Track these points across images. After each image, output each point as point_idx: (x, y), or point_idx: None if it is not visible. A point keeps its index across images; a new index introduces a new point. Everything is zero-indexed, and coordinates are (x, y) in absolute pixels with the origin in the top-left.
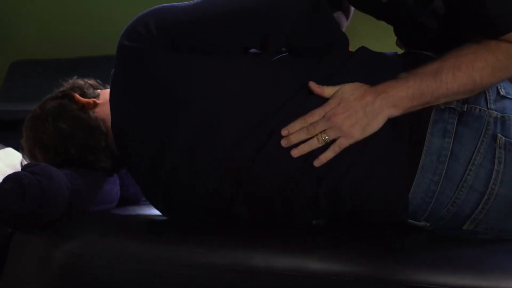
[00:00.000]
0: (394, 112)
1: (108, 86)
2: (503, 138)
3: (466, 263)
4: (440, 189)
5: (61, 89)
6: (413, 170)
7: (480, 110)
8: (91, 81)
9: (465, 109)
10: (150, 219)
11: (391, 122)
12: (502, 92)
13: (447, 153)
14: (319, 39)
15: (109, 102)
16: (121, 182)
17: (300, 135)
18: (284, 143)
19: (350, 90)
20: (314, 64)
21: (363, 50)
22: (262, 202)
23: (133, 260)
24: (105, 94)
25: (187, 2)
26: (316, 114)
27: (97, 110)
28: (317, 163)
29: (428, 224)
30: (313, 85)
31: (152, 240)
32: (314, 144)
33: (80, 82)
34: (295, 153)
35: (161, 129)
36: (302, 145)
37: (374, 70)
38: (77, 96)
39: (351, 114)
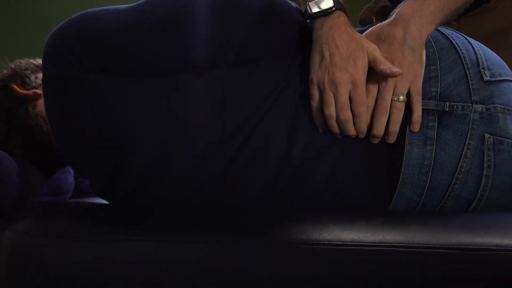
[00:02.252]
0: (432, 28)
1: None
2: (491, 137)
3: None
4: (424, 200)
5: (0, 76)
6: (394, 183)
7: (463, 107)
8: (37, 61)
9: (446, 109)
10: (106, 204)
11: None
12: (486, 77)
13: (430, 162)
14: (272, 46)
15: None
16: (75, 173)
17: (381, 121)
18: (374, 140)
19: (375, 39)
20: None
21: None
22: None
23: (86, 238)
24: None
25: (115, 11)
26: (362, 87)
27: (39, 102)
28: (417, 126)
29: None
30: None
31: (108, 219)
32: (399, 116)
33: (23, 65)
34: (391, 139)
35: (109, 160)
36: (391, 128)
37: None
38: (16, 88)
39: (399, 60)
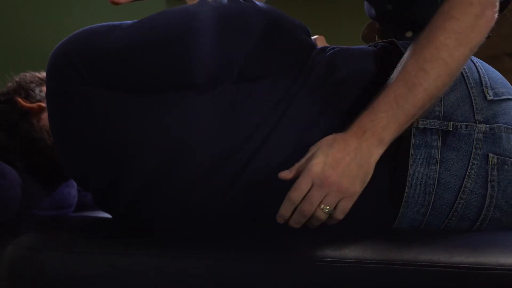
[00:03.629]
0: (383, 148)
1: None
2: (495, 157)
3: (459, 242)
4: (428, 220)
5: (6, 89)
6: (398, 203)
7: (466, 126)
8: (42, 74)
9: (450, 129)
10: (110, 218)
11: None
12: (490, 96)
13: (434, 182)
14: (277, 61)
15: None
16: (79, 187)
17: (299, 219)
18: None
19: (327, 145)
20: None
21: (339, 51)
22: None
23: (89, 252)
24: None
25: (119, 27)
26: (302, 187)
27: (43, 115)
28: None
29: None
30: (282, 174)
31: (110, 234)
32: (321, 217)
33: (28, 78)
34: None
35: (108, 176)
36: (310, 224)
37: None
38: (20, 101)
39: (343, 170)
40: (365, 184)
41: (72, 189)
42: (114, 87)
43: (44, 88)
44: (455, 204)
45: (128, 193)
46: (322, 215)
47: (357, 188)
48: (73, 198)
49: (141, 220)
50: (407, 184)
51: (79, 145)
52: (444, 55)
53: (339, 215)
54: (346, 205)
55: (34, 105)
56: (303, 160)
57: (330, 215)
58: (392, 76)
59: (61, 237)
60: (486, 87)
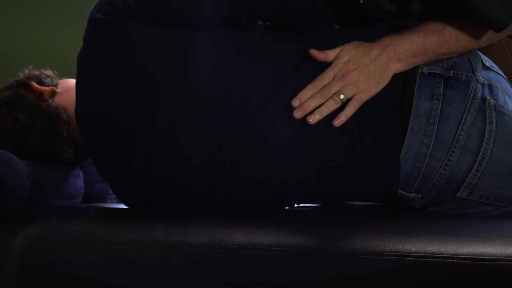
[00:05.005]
0: (400, 67)
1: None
2: (492, 100)
3: (467, 232)
4: (432, 152)
5: (16, 78)
6: (403, 133)
7: (466, 75)
8: (48, 72)
9: (451, 75)
10: (118, 208)
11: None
12: (487, 64)
13: (437, 114)
14: (307, 10)
15: (72, 91)
16: (85, 179)
17: (314, 100)
18: (298, 114)
19: (353, 48)
20: (302, 36)
21: (346, 27)
22: (244, 189)
23: (99, 242)
24: (64, 82)
25: None
26: (326, 77)
27: (56, 99)
28: (337, 122)
29: (420, 196)
30: (314, 52)
31: (120, 223)
32: (332, 106)
33: (36, 72)
34: (312, 119)
35: (133, 119)
36: (319, 109)
37: (366, 36)
38: (34, 84)
39: (363, 69)
40: (380, 86)
41: (78, 180)
42: (158, 21)
43: (54, 79)
44: (457, 135)
45: (146, 148)
46: (333, 104)
47: (372, 85)
48: (80, 189)
49: (151, 191)
50: (411, 114)
51: (105, 88)
52: (475, 44)
53: (356, 103)
54: (361, 97)
55: (48, 88)
56: (331, 51)
57: (347, 104)
58: (430, 21)
59: (69, 227)
60: (484, 59)
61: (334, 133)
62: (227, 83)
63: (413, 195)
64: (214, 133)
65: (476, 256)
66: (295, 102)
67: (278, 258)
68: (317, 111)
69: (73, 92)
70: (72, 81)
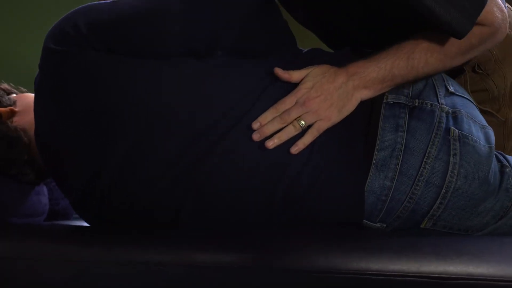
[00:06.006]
0: (367, 94)
1: (24, 90)
2: (456, 130)
3: (429, 251)
4: (396, 186)
5: None
6: (368, 165)
7: (431, 105)
8: (4, 86)
9: (416, 104)
10: (83, 226)
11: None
12: (451, 89)
13: (401, 147)
14: (270, 32)
15: (31, 110)
16: (50, 195)
17: (274, 125)
18: (256, 136)
19: (320, 73)
20: (263, 62)
21: (314, 48)
22: (212, 209)
23: (62, 261)
24: (22, 99)
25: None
26: (287, 102)
27: (15, 119)
28: (294, 150)
29: (385, 226)
30: (278, 71)
31: (84, 241)
32: (291, 131)
33: None
34: (271, 144)
35: (96, 142)
36: (278, 134)
37: (335, 60)
38: None
39: (325, 97)
40: (342, 115)
41: (42, 197)
42: (115, 50)
43: (12, 96)
44: (421, 168)
45: (112, 170)
46: (293, 130)
47: (334, 113)
48: (44, 206)
49: (115, 213)
50: (376, 147)
51: (62, 113)
52: (447, 63)
53: (314, 131)
54: (321, 125)
55: (6, 108)
56: (296, 72)
57: (306, 131)
58: (400, 44)
59: (32, 246)
60: (448, 83)
61: (302, 157)
62: (193, 107)
63: (378, 225)
64: (181, 156)
65: (438, 274)
66: (255, 125)
67: (243, 276)
68: (276, 135)
69: (32, 112)
70: (31, 97)
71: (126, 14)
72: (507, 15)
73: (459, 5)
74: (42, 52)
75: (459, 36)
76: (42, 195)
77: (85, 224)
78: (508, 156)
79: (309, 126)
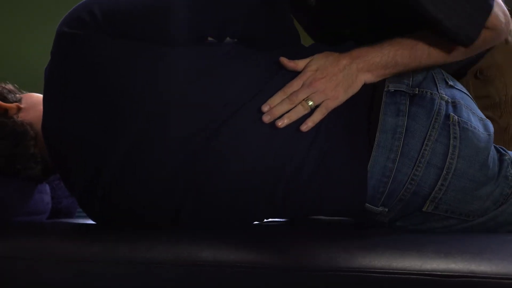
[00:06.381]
0: (370, 78)
1: (25, 92)
2: (456, 116)
3: (431, 249)
4: (397, 167)
5: None
6: (370, 148)
7: (431, 93)
8: (9, 86)
9: (416, 92)
10: (84, 224)
11: (349, 100)
12: (450, 83)
13: (402, 130)
14: (275, 29)
15: (36, 107)
16: (53, 193)
17: (283, 106)
18: (267, 118)
19: (323, 57)
20: (269, 53)
21: (317, 43)
22: (213, 205)
23: (64, 260)
24: (28, 98)
25: None
26: (294, 84)
27: (21, 115)
28: (304, 127)
29: (387, 210)
30: (284, 60)
31: (86, 240)
32: (300, 111)
33: None
34: (281, 123)
35: (102, 134)
36: (288, 114)
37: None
38: None
39: (330, 78)
40: (348, 94)
41: (45, 195)
42: (128, 35)
43: (17, 94)
44: (422, 150)
45: (115, 164)
46: (302, 109)
47: (340, 92)
48: (47, 204)
49: (116, 212)
50: (377, 130)
51: (72, 103)
52: (448, 59)
53: (323, 109)
54: (329, 104)
55: (13, 104)
56: (302, 61)
57: (315, 110)
58: (404, 36)
59: (34, 244)
60: (447, 78)
61: (305, 142)
62: (200, 95)
63: (380, 208)
64: (185, 144)
65: (440, 272)
66: (265, 108)
67: (245, 274)
68: (286, 115)
69: (39, 107)
70: (36, 96)
71: (141, 2)
72: (509, 18)
73: (466, 16)
74: (55, 38)
75: (466, 45)
76: (45, 194)
77: (88, 222)
78: (508, 150)
79: (316, 107)
